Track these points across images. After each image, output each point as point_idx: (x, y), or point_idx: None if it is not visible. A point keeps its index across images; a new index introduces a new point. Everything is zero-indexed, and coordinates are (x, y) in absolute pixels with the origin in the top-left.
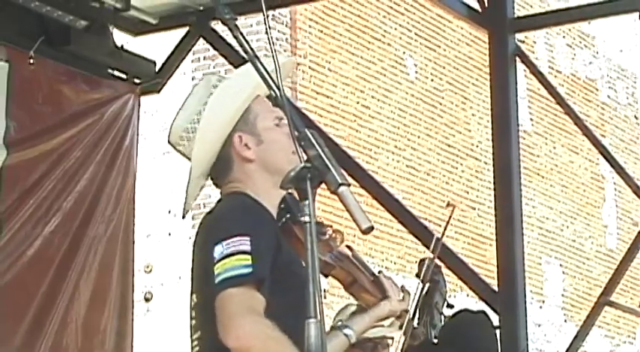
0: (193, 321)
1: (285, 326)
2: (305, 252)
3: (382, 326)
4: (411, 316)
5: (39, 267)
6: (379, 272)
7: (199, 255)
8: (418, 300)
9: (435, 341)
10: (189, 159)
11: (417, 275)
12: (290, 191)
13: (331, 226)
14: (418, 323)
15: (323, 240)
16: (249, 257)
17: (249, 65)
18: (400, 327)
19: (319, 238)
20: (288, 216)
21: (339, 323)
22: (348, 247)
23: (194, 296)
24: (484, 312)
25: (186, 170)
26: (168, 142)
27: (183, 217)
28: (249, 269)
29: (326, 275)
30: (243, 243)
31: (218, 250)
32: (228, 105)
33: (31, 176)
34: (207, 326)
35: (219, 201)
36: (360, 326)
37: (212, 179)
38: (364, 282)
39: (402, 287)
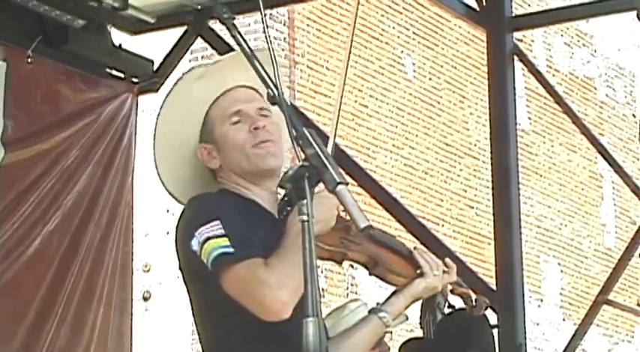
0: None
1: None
2: (303, 252)
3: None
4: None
5: (38, 267)
6: (415, 248)
7: (179, 255)
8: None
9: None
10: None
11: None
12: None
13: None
14: (420, 323)
15: (338, 229)
16: (223, 239)
17: (193, 71)
18: (461, 298)
19: (336, 227)
20: (289, 209)
21: (375, 306)
22: (377, 229)
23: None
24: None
25: None
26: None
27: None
28: (230, 249)
29: (340, 262)
30: (213, 228)
31: (195, 242)
32: (179, 125)
33: (29, 175)
34: (201, 321)
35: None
36: (395, 307)
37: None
38: (389, 263)
39: (444, 260)
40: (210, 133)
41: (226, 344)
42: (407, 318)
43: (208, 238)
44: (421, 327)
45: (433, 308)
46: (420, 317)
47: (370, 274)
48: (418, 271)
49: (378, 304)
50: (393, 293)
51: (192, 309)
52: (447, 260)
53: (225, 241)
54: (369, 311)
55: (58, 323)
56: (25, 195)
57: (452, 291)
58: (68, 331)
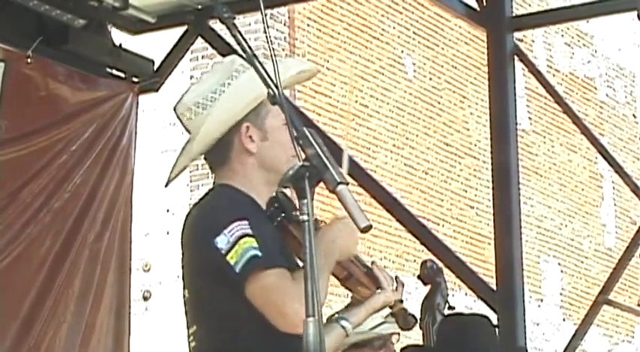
0: (187, 315)
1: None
2: (303, 251)
3: (387, 322)
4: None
5: (31, 266)
6: (372, 263)
7: (194, 250)
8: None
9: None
10: (189, 132)
11: (419, 277)
12: (282, 190)
13: (323, 221)
14: (420, 325)
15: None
16: (253, 239)
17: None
18: (393, 315)
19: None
20: (283, 215)
21: (335, 315)
22: None
23: (186, 291)
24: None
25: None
26: (174, 110)
27: (166, 186)
28: (259, 252)
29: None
30: (243, 227)
31: (222, 241)
32: (247, 93)
33: (26, 174)
34: (205, 320)
35: (207, 194)
36: (357, 318)
37: (207, 160)
38: (359, 275)
39: (396, 277)
40: (260, 119)
41: (231, 346)
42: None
43: (240, 237)
44: (420, 328)
45: (432, 309)
46: (420, 319)
47: (342, 285)
48: (380, 285)
49: (337, 313)
50: (351, 304)
51: (193, 305)
52: (397, 277)
53: (254, 242)
54: (332, 320)
55: (51, 323)
56: (19, 193)
57: (392, 307)
58: (62, 330)
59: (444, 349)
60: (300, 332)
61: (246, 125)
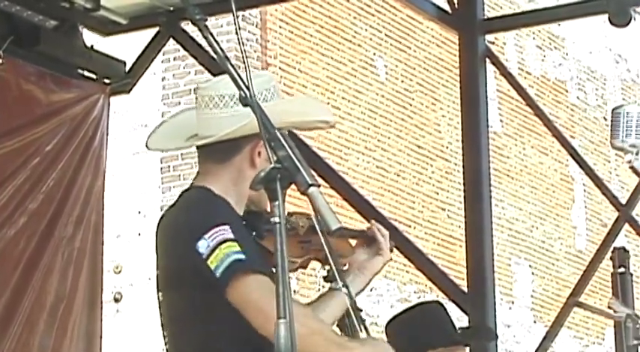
0: (162, 318)
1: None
2: (275, 254)
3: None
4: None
5: (4, 268)
6: (369, 228)
7: (173, 254)
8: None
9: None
10: (194, 112)
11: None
12: (248, 210)
13: (291, 214)
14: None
15: (291, 236)
16: (235, 244)
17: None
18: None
19: (288, 235)
20: (254, 233)
21: (337, 285)
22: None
23: (160, 294)
24: (436, 302)
25: (155, 171)
26: (197, 89)
27: (147, 148)
28: (242, 256)
29: (306, 267)
30: (224, 232)
31: (203, 245)
32: (294, 112)
33: (0, 175)
34: (180, 323)
35: (181, 195)
36: (359, 287)
37: (204, 151)
38: (339, 250)
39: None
40: None
41: (206, 349)
42: None
43: (221, 242)
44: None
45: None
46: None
47: (323, 266)
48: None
49: (339, 282)
50: (348, 271)
51: (168, 308)
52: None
53: (236, 246)
54: (333, 288)
55: (24, 324)
56: None
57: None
58: (35, 332)
59: (398, 338)
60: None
61: (262, 145)
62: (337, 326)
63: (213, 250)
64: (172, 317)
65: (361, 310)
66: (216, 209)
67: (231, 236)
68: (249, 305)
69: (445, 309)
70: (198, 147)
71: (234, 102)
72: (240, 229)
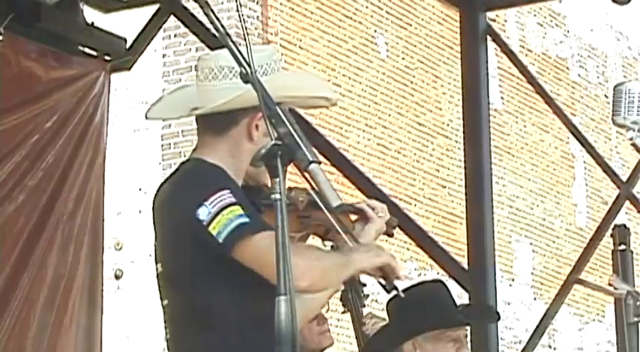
0: (161, 289)
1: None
2: (275, 230)
3: None
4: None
5: (4, 244)
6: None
7: (171, 224)
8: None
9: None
10: (195, 85)
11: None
12: (246, 184)
13: (290, 189)
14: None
15: (290, 211)
16: (238, 207)
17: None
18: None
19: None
20: (264, 203)
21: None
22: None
23: (159, 265)
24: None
25: (155, 148)
26: (198, 61)
27: (146, 118)
28: (247, 219)
29: (304, 242)
30: (226, 197)
31: (203, 212)
32: (295, 86)
33: None
34: (179, 292)
35: (177, 169)
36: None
37: (202, 121)
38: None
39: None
40: None
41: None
42: None
43: (223, 207)
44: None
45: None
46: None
47: (323, 241)
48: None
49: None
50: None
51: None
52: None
53: (239, 210)
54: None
55: (23, 302)
56: None
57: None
58: (35, 309)
59: (399, 320)
60: (304, 285)
61: (262, 118)
62: (340, 299)
63: (215, 216)
64: (171, 287)
65: (365, 285)
66: (214, 175)
67: (233, 199)
68: (261, 261)
69: (448, 289)
70: (197, 121)
71: (234, 75)
72: (240, 192)
